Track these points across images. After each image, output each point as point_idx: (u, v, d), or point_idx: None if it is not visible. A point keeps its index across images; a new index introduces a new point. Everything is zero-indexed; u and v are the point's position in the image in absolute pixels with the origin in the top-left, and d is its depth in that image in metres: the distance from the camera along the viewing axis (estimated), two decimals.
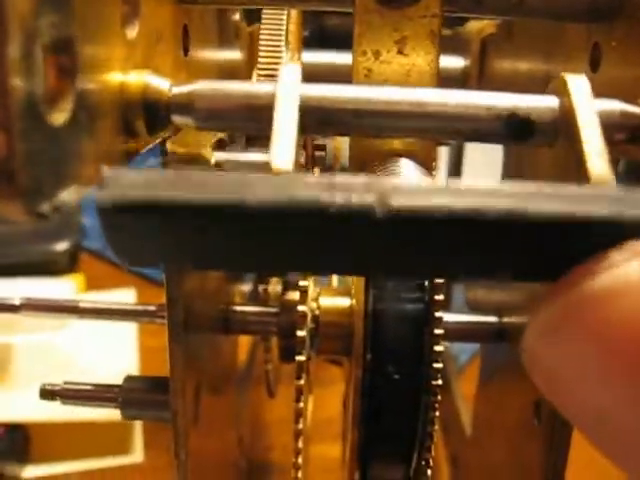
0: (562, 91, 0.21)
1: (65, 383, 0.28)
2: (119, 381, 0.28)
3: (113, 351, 0.60)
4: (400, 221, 0.15)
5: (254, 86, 0.21)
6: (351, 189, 0.16)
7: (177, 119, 0.21)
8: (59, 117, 0.16)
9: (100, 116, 0.18)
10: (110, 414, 0.29)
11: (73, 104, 0.16)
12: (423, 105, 0.21)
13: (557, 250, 0.16)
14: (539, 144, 0.21)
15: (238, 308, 0.34)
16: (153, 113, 0.20)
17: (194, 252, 0.17)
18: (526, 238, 0.16)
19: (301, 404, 0.28)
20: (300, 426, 0.29)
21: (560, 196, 0.16)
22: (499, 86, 0.36)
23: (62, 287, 0.62)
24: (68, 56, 0.16)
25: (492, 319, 0.36)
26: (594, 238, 0.16)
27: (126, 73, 0.20)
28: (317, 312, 0.31)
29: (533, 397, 0.28)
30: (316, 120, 0.20)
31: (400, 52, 0.26)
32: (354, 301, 0.31)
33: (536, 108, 0.21)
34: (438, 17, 0.26)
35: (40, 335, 0.58)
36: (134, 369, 0.60)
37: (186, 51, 0.26)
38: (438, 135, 0.21)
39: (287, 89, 0.20)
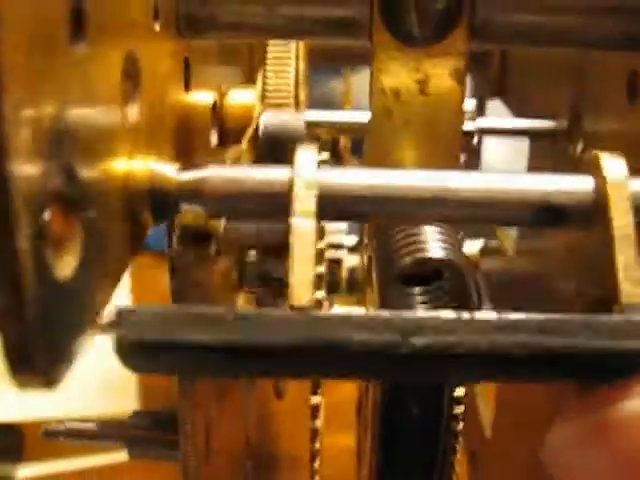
0: (596, 173, 0.20)
1: (67, 422, 0.28)
2: None
3: None
4: (422, 357, 0.16)
5: (268, 172, 0.19)
6: (372, 328, 0.16)
7: (186, 207, 0.20)
8: (67, 265, 0.15)
9: (106, 228, 0.17)
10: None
11: (80, 242, 0.15)
12: (448, 191, 0.19)
13: (586, 375, 0.17)
14: (573, 229, 0.20)
15: None
16: (160, 203, 0.19)
17: (207, 370, 0.17)
18: (555, 370, 0.17)
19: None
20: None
21: (587, 328, 0.16)
22: (518, 103, 0.34)
23: None
24: (71, 185, 0.15)
25: None
26: (627, 366, 0.16)
27: (130, 160, 0.19)
28: None
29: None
30: (335, 209, 0.19)
31: (422, 92, 0.24)
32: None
33: (571, 195, 0.19)
34: (464, 55, 0.24)
35: None
36: None
37: (187, 85, 0.25)
38: (464, 222, 0.20)
39: (304, 178, 0.19)
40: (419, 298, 0.22)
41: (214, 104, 0.28)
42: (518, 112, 0.38)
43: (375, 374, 0.17)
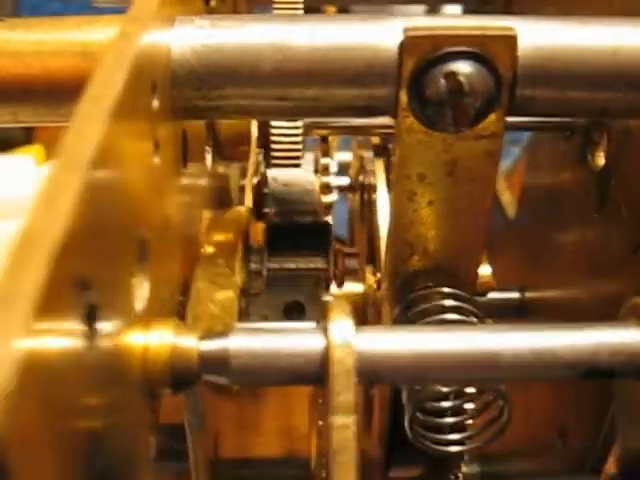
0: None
1: None
2: None
3: None
4: None
5: (299, 340, 0.18)
6: None
7: (209, 378, 0.19)
8: None
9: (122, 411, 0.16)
10: None
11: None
12: (491, 357, 0.19)
13: None
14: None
15: None
16: (181, 376, 0.18)
17: None
18: None
19: None
20: None
21: None
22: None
23: (21, 165, 0.59)
24: None
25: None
26: None
27: (147, 331, 0.18)
28: None
29: None
30: (373, 377, 0.18)
31: (450, 175, 0.23)
32: None
33: (616, 354, 0.19)
34: (500, 136, 0.22)
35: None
36: None
37: (185, 161, 0.23)
38: (507, 382, 0.19)
39: (341, 351, 0.18)
40: None
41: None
42: None
43: None
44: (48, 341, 0.11)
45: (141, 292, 0.17)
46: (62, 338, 0.12)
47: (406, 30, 0.20)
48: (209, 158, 0.26)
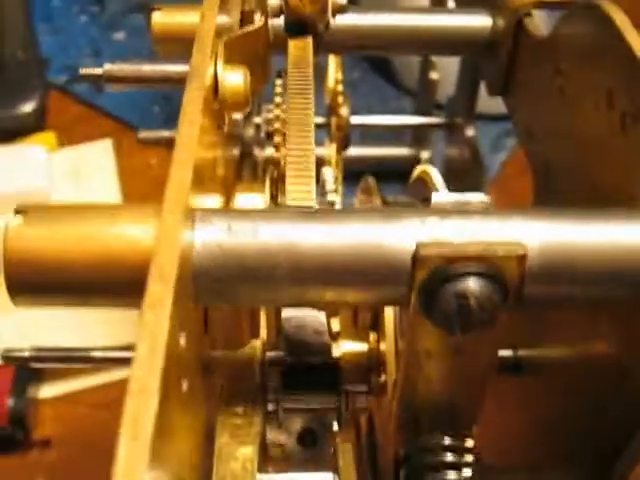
0: None
1: None
2: None
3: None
4: None
5: None
6: None
7: None
8: None
9: None
10: None
11: None
12: None
13: None
14: None
15: None
16: None
17: None
18: None
19: None
20: None
21: None
22: None
23: (32, 152, 0.59)
24: None
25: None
26: None
27: None
28: None
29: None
30: None
31: (456, 352, 0.24)
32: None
33: None
34: (504, 324, 0.23)
35: None
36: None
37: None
38: None
39: None
40: None
41: None
42: None
43: None
44: None
45: None
46: None
47: (417, 246, 0.21)
48: None
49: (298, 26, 0.33)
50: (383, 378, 0.33)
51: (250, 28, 0.30)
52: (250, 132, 0.48)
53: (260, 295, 0.22)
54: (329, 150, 0.50)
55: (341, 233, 0.22)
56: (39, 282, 0.21)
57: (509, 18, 0.39)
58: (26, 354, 0.37)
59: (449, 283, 0.21)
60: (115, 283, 0.21)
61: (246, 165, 0.49)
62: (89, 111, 0.65)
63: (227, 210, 0.22)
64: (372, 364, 0.34)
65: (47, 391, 0.55)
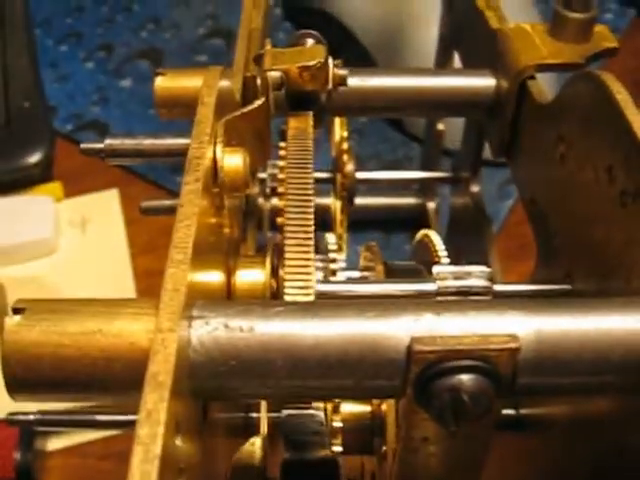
0: None
1: None
2: None
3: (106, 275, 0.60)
4: None
5: None
6: None
7: None
8: None
9: None
10: None
11: None
12: None
13: None
14: None
15: None
16: None
17: None
18: None
19: None
20: None
21: None
22: None
23: (39, 203, 0.60)
24: None
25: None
26: None
27: None
28: None
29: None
30: None
31: (452, 436, 0.24)
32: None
33: None
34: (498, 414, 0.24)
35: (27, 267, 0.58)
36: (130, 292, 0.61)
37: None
38: None
39: None
40: None
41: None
42: None
43: None
44: None
45: None
46: None
47: (412, 341, 0.22)
48: None
49: (299, 99, 0.34)
50: (384, 449, 0.33)
51: (250, 107, 0.30)
52: (255, 189, 0.48)
53: (257, 390, 0.23)
54: (333, 206, 0.51)
55: (337, 328, 0.22)
56: (37, 380, 0.21)
57: (512, 80, 0.39)
58: (31, 417, 0.38)
59: (442, 378, 0.22)
60: (114, 381, 0.21)
61: (250, 218, 0.50)
62: (95, 159, 0.65)
63: (224, 305, 0.23)
64: (375, 427, 0.34)
65: (54, 443, 0.55)
